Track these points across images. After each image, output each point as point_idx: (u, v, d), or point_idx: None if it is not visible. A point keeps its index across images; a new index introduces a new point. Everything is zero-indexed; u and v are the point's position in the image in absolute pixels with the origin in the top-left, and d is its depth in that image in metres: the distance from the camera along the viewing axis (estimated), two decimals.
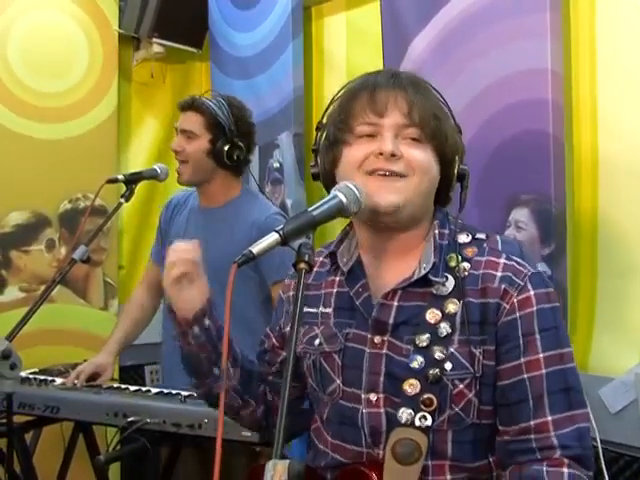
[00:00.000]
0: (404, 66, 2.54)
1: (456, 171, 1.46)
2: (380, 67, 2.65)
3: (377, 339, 1.43)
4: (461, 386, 1.36)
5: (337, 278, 1.52)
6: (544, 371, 1.34)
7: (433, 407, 1.36)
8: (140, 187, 3.61)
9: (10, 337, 2.11)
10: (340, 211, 1.32)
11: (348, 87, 1.48)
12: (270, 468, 1.02)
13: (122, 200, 2.46)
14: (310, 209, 1.29)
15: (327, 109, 1.51)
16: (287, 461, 1.02)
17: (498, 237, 1.46)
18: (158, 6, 3.43)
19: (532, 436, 1.33)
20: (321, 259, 1.58)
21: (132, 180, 2.50)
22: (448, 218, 1.49)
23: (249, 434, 1.97)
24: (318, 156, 1.51)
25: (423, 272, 1.40)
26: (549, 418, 1.33)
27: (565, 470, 1.30)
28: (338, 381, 1.47)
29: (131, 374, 3.57)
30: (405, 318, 1.41)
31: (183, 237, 2.55)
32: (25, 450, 2.43)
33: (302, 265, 1.22)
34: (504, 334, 1.36)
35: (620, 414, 2.15)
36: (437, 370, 1.35)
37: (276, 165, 3.25)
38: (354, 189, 1.34)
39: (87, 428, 2.60)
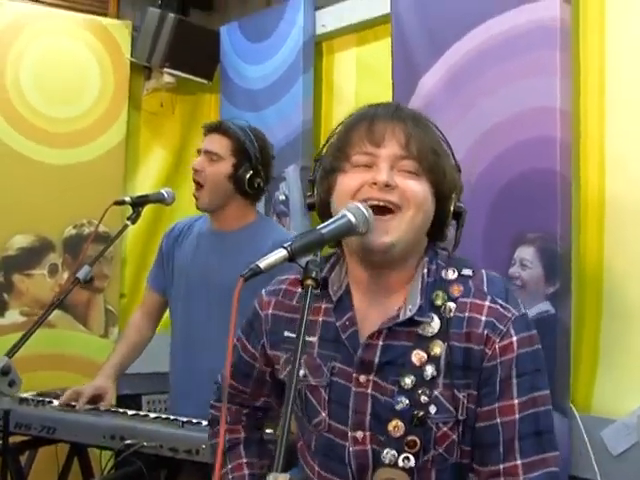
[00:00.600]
0: (413, 101, 2.56)
1: (452, 208, 1.45)
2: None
3: (362, 378, 1.42)
4: (445, 429, 1.37)
5: (324, 305, 1.49)
6: (517, 416, 1.34)
7: (417, 449, 1.36)
8: (144, 215, 3.67)
9: (10, 354, 2.09)
10: (349, 231, 1.31)
11: (348, 118, 1.48)
12: None
13: (128, 222, 2.47)
14: (319, 227, 1.28)
15: (327, 141, 1.51)
16: (287, 475, 1.01)
17: (484, 274, 1.44)
18: (171, 37, 3.47)
19: (502, 479, 1.34)
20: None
21: (139, 203, 2.51)
22: (437, 252, 1.47)
23: None
24: (315, 186, 1.50)
25: (409, 314, 1.39)
26: (519, 462, 1.33)
27: None
28: (324, 414, 1.46)
29: (128, 403, 3.52)
30: (390, 358, 1.40)
31: (192, 261, 2.58)
32: (19, 471, 2.40)
33: (309, 282, 1.22)
34: (485, 378, 1.36)
35: (622, 456, 2.13)
36: (421, 413, 1.35)
37: (282, 198, 3.26)
38: (364, 210, 1.33)
39: (82, 451, 2.56)
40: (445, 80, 2.49)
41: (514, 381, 1.35)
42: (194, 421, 2.21)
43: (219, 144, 2.53)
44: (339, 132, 1.47)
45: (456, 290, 1.40)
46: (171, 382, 2.65)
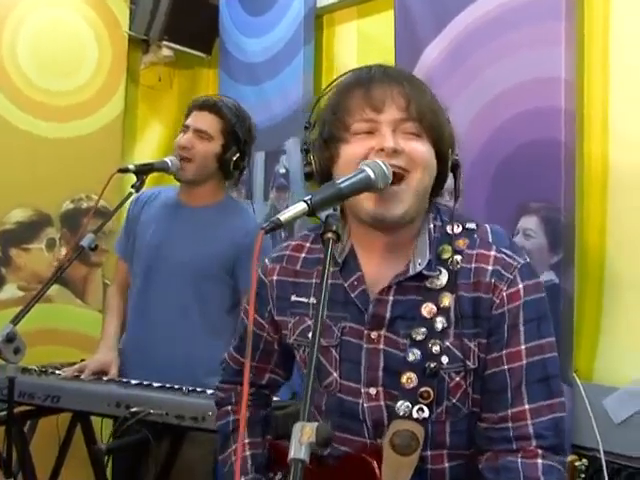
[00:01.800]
0: (416, 73, 2.53)
1: (450, 162, 1.44)
2: None
3: (374, 334, 1.43)
4: (457, 378, 1.39)
5: (332, 268, 1.46)
6: (524, 362, 1.36)
7: (430, 399, 1.38)
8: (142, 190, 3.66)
9: (15, 321, 2.07)
10: (367, 186, 1.30)
11: (340, 83, 1.45)
12: (298, 430, 1.01)
13: (132, 190, 2.43)
14: (338, 181, 1.26)
15: (314, 106, 1.49)
16: (315, 423, 1.01)
17: (488, 227, 1.46)
18: (169, 10, 3.46)
19: (510, 424, 1.36)
20: (308, 244, 1.56)
21: (143, 171, 2.47)
22: (439, 209, 1.48)
23: None
24: (310, 155, 1.46)
25: (418, 268, 1.40)
26: (526, 407, 1.35)
27: (539, 461, 1.33)
28: (335, 374, 1.47)
29: None
30: (401, 312, 1.41)
31: (155, 231, 2.56)
32: (24, 441, 2.40)
33: (330, 235, 1.20)
34: (494, 326, 1.38)
35: (624, 424, 2.16)
36: (434, 364, 1.37)
37: (282, 171, 3.26)
38: (382, 165, 1.32)
39: (85, 419, 2.56)
40: (448, 51, 2.49)
41: (521, 328, 1.37)
42: (198, 389, 2.21)
43: (210, 123, 2.51)
44: (334, 98, 1.43)
45: (462, 243, 1.42)
46: (123, 348, 2.62)
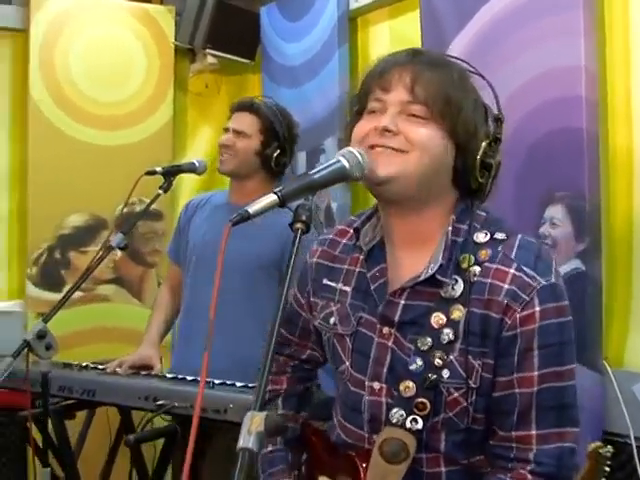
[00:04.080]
0: None
1: (478, 157, 1.38)
2: None
3: (385, 330, 1.42)
4: (456, 394, 1.35)
5: (361, 256, 1.49)
6: (536, 388, 1.32)
7: (426, 412, 1.35)
8: (195, 190, 3.78)
9: (46, 318, 2.19)
10: (342, 176, 1.30)
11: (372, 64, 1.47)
12: (248, 419, 1.02)
13: (160, 191, 2.53)
14: (311, 172, 1.27)
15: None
16: (264, 413, 1.02)
17: (518, 239, 1.38)
18: (211, 19, 3.57)
19: (514, 445, 1.34)
20: (351, 231, 1.54)
21: (170, 172, 2.58)
22: (471, 212, 1.41)
23: None
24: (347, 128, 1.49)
25: (430, 272, 1.36)
26: (533, 432, 1.32)
27: None
28: (347, 363, 1.48)
29: None
30: (410, 317, 1.39)
31: (205, 232, 2.65)
32: (63, 431, 2.49)
33: (299, 225, 1.20)
34: (503, 348, 1.33)
35: None
36: (434, 376, 1.34)
37: None
38: (357, 154, 1.31)
39: (125, 412, 2.67)
40: (472, 44, 2.52)
41: (535, 353, 1.31)
42: (228, 382, 2.29)
43: (247, 122, 2.63)
44: (360, 81, 1.47)
45: (484, 254, 1.36)
46: (176, 343, 2.76)
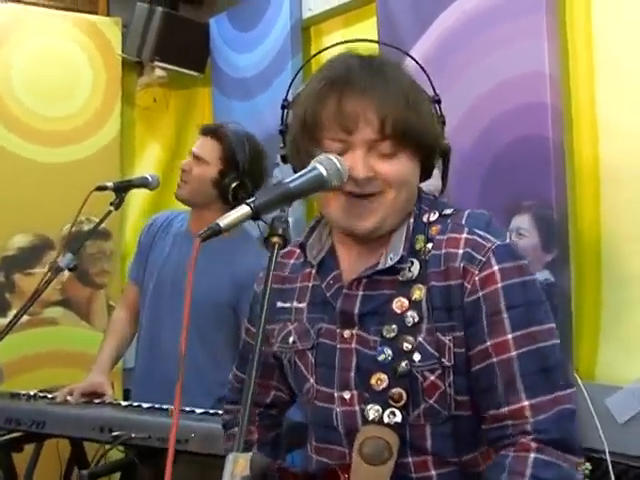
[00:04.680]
0: None
1: (437, 154, 1.36)
2: None
3: (346, 333, 1.34)
4: (432, 378, 1.27)
5: (313, 271, 1.42)
6: (514, 353, 1.23)
7: (402, 402, 1.26)
8: (143, 209, 3.68)
9: None
10: (320, 184, 1.20)
11: (316, 80, 1.33)
12: (231, 461, 0.94)
13: (111, 208, 2.40)
14: (286, 180, 1.17)
15: (290, 84, 1.46)
16: (249, 454, 0.95)
17: (467, 211, 1.34)
18: (159, 30, 3.48)
19: (509, 422, 1.23)
20: (299, 250, 1.46)
21: (122, 188, 2.44)
22: (421, 197, 1.38)
23: None
24: (286, 139, 1.41)
25: (390, 262, 1.31)
26: (525, 403, 1.22)
27: (531, 455, 1.19)
28: (312, 380, 1.39)
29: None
30: (371, 308, 1.32)
31: (165, 261, 2.55)
32: (10, 468, 2.36)
33: (275, 239, 1.10)
34: (469, 316, 1.26)
35: (628, 424, 2.10)
36: (405, 362, 1.26)
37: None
38: (336, 162, 1.23)
39: (77, 444, 2.53)
40: (433, 51, 2.47)
41: (504, 315, 1.24)
42: (187, 409, 2.16)
43: (208, 148, 2.48)
44: (308, 100, 1.32)
45: (434, 230, 1.32)
46: (134, 378, 2.62)
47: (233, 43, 3.49)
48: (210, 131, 2.51)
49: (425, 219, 1.34)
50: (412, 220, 1.34)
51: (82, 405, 2.33)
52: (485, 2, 2.31)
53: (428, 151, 1.34)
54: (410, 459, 1.30)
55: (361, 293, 1.34)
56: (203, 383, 2.32)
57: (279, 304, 1.46)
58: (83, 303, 3.54)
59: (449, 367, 1.27)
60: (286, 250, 1.50)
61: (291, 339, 1.43)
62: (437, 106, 1.38)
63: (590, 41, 2.18)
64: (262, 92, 3.30)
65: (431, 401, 1.28)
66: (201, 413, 2.16)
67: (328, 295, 1.37)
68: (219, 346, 2.42)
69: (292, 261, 1.49)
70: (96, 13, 3.72)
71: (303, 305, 1.43)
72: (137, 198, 3.58)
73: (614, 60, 2.14)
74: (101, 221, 2.41)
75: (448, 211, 1.35)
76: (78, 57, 3.56)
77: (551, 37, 2.17)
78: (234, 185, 2.44)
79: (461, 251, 1.27)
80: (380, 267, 1.32)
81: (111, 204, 2.41)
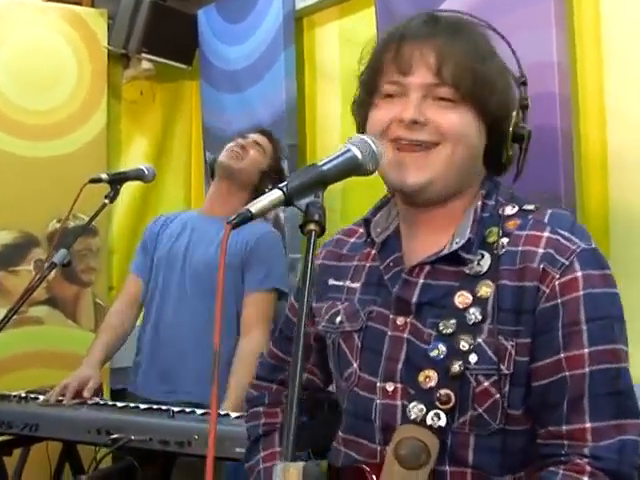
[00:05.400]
0: None
1: (510, 129, 1.24)
2: None
3: (400, 320, 1.25)
4: (486, 384, 1.16)
5: (373, 251, 1.34)
6: (587, 369, 1.12)
7: (450, 405, 1.16)
8: (130, 205, 3.60)
9: None
10: (354, 168, 1.14)
11: (381, 36, 1.29)
12: (279, 473, 0.87)
13: (106, 201, 2.34)
14: (319, 163, 1.10)
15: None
16: (301, 464, 0.87)
17: (550, 210, 1.24)
18: (147, 21, 3.39)
19: (566, 442, 1.13)
20: (361, 230, 1.38)
21: (116, 180, 2.38)
22: (498, 188, 1.28)
23: (244, 450, 1.83)
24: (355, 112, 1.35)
25: (455, 247, 1.21)
26: (588, 425, 1.12)
27: (583, 479, 1.10)
28: (355, 365, 1.29)
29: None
30: (430, 298, 1.22)
31: (176, 241, 2.59)
32: (2, 473, 2.29)
33: (312, 226, 1.03)
34: (543, 324, 1.15)
35: None
36: (459, 362, 1.16)
37: None
38: (371, 143, 1.15)
39: (71, 447, 2.44)
40: None
41: (583, 327, 1.13)
42: (187, 410, 2.11)
43: (267, 144, 2.66)
44: (369, 55, 1.29)
45: (512, 224, 1.21)
46: (138, 362, 2.62)
47: (222, 35, 3.42)
48: (267, 133, 2.70)
49: (501, 212, 1.24)
50: (480, 203, 1.25)
51: (76, 406, 2.25)
52: None
53: (496, 119, 1.23)
54: (447, 468, 1.19)
55: (422, 281, 1.25)
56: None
57: (331, 281, 1.39)
58: (69, 301, 3.44)
59: (507, 375, 1.16)
60: (348, 227, 1.45)
61: (338, 319, 1.34)
62: (523, 88, 1.29)
63: (598, 29, 2.16)
64: (253, 85, 3.23)
65: (481, 409, 1.17)
66: (202, 414, 2.10)
67: (386, 278, 1.29)
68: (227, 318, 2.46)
69: (353, 239, 1.42)
70: (81, 4, 3.62)
71: (357, 285, 1.35)
72: (124, 193, 3.49)
73: (622, 49, 2.12)
74: (96, 214, 2.34)
75: (530, 207, 1.25)
76: (63, 49, 3.46)
77: (559, 25, 2.14)
78: (268, 188, 2.51)
79: (541, 251, 1.17)
80: (445, 252, 1.23)
81: (106, 197, 2.34)
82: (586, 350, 1.12)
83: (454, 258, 1.22)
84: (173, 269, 2.54)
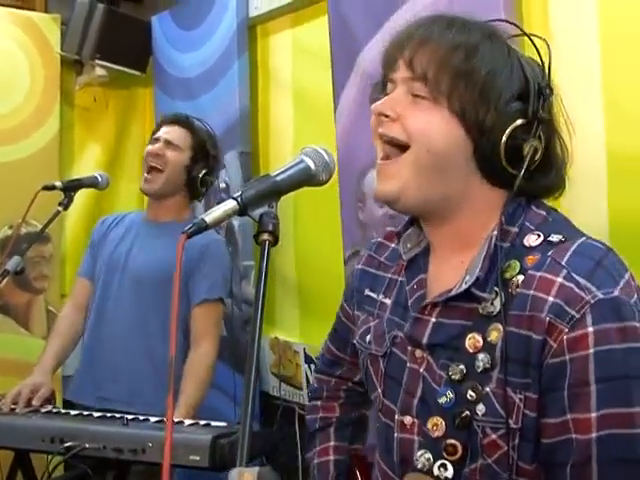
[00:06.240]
0: (353, 78, 2.54)
1: (505, 140, 1.08)
2: (328, 83, 2.64)
3: (418, 353, 1.18)
4: (493, 436, 1.07)
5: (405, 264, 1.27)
6: (594, 435, 1.00)
7: (457, 456, 1.10)
8: (83, 213, 3.58)
9: None
10: (307, 178, 1.14)
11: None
12: (234, 477, 0.86)
13: (60, 208, 2.35)
14: (273, 174, 1.11)
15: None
16: (256, 469, 0.86)
17: (578, 242, 1.07)
18: (100, 28, 3.39)
19: None
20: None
21: (70, 187, 2.40)
22: (526, 211, 1.13)
23: (197, 458, 1.84)
24: None
25: (464, 287, 1.10)
26: None
27: None
28: (379, 390, 1.25)
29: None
30: (442, 340, 1.14)
31: (117, 245, 2.56)
32: None
33: (265, 236, 1.05)
34: (549, 380, 1.04)
35: None
36: (466, 412, 1.09)
37: (222, 185, 3.19)
38: (323, 153, 1.16)
39: (23, 456, 2.38)
40: None
41: (592, 388, 1.00)
42: (141, 418, 2.11)
43: (180, 135, 2.55)
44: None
45: (530, 259, 1.08)
46: (80, 363, 2.60)
47: (176, 42, 3.43)
48: (178, 120, 2.59)
49: (525, 241, 1.11)
50: (496, 233, 1.11)
51: (29, 414, 2.23)
52: (438, 3, 2.30)
53: (482, 124, 1.09)
54: None
55: (433, 320, 1.16)
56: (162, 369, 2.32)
57: (367, 292, 1.34)
58: (21, 309, 3.42)
59: (515, 430, 1.06)
60: (390, 230, 1.37)
61: (368, 338, 1.30)
62: (541, 98, 1.10)
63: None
64: (207, 92, 3.24)
65: (490, 460, 1.09)
66: (156, 421, 2.10)
67: (409, 302, 1.21)
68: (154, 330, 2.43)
69: (393, 245, 1.34)
70: (34, 9, 3.61)
71: (388, 301, 1.28)
72: (77, 200, 3.47)
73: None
74: (49, 222, 2.35)
75: (556, 237, 1.09)
76: (15, 55, 3.44)
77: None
78: (203, 173, 2.53)
79: (551, 300, 1.03)
80: (454, 292, 1.12)
81: (60, 204, 2.35)
82: (593, 414, 1.01)
83: (468, 294, 1.12)
84: (113, 275, 2.52)
